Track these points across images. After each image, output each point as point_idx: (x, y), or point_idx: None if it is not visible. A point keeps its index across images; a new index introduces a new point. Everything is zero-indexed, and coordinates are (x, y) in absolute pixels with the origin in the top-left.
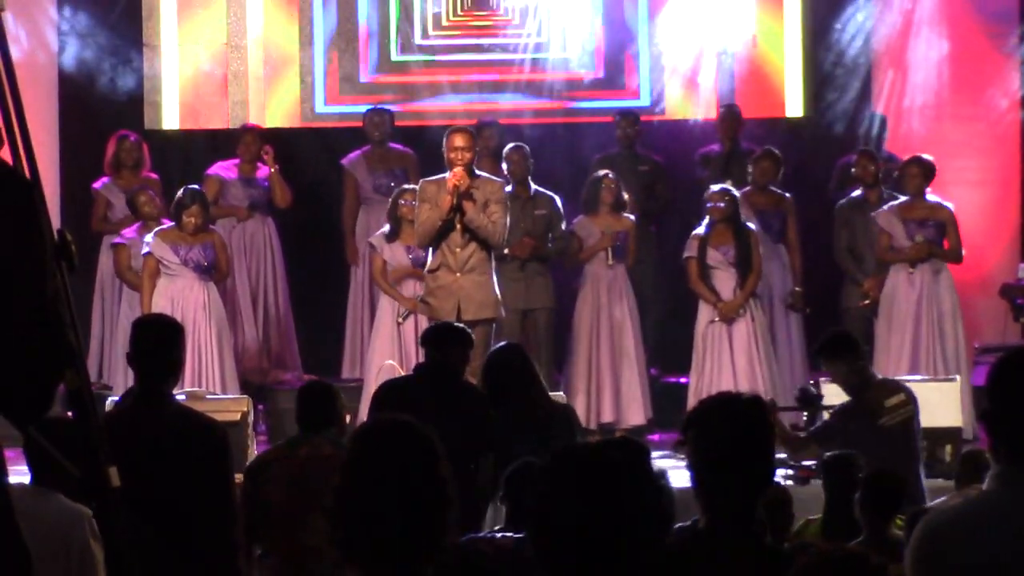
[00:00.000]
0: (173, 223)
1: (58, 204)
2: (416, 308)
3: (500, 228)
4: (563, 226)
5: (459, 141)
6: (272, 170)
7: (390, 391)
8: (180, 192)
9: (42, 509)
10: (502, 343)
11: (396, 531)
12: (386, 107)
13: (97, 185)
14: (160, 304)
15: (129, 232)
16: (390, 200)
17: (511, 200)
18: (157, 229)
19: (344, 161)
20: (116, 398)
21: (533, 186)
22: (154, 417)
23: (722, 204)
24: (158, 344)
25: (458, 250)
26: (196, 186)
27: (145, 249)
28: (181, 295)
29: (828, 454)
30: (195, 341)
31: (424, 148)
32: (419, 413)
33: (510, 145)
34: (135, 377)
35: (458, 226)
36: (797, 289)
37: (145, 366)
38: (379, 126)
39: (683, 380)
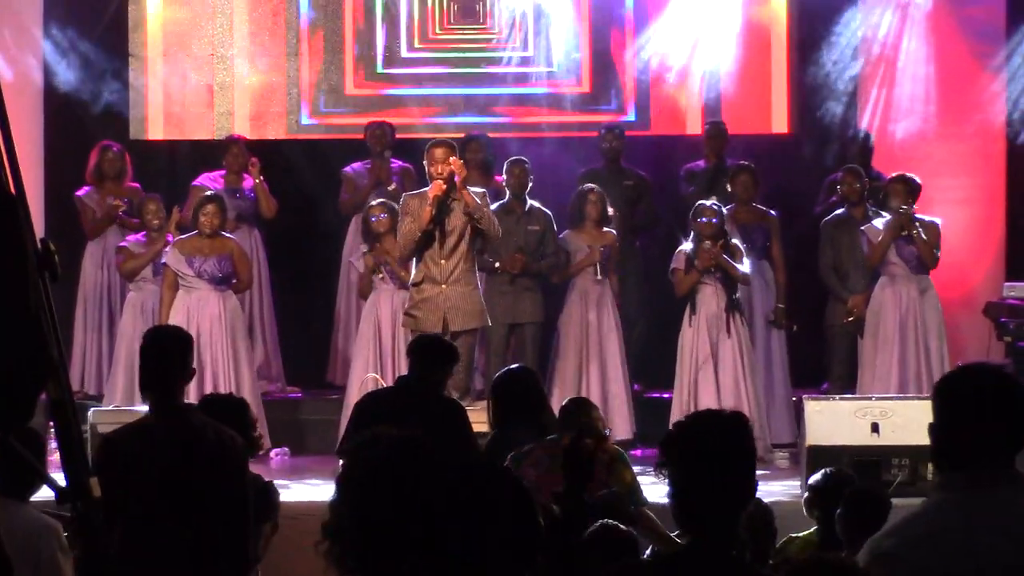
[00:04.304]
0: (194, 232)
1: (42, 215)
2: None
3: (497, 224)
4: (555, 242)
5: (439, 154)
6: (257, 181)
7: (371, 403)
8: (199, 197)
9: (11, 520)
10: (514, 365)
11: (390, 546)
12: (387, 120)
13: (80, 193)
14: (177, 317)
15: (133, 238)
16: (361, 219)
17: (505, 214)
18: (175, 239)
19: (347, 169)
20: (100, 407)
21: (529, 201)
22: (177, 429)
23: (713, 220)
24: (169, 356)
25: (442, 262)
26: (212, 192)
27: (163, 259)
28: (197, 306)
29: (818, 474)
30: (211, 353)
31: (409, 161)
32: (400, 426)
33: (511, 159)
34: (142, 387)
35: (437, 237)
36: (780, 306)
37: (157, 378)
38: (380, 139)
39: (667, 395)
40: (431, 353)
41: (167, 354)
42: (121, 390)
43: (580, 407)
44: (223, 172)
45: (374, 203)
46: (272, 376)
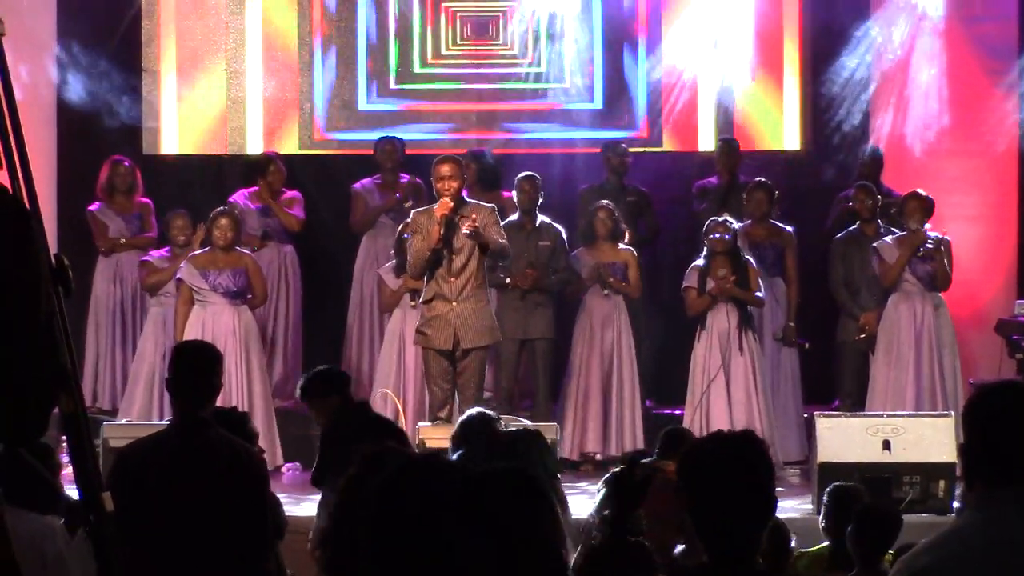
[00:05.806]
0: (207, 248)
1: (55, 229)
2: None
3: (508, 247)
4: (566, 258)
5: (445, 170)
6: (270, 202)
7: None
8: (213, 212)
9: (17, 526)
10: (470, 414)
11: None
12: (397, 136)
13: (92, 207)
14: (192, 331)
15: (156, 253)
16: (395, 235)
17: (516, 230)
18: (191, 255)
19: (356, 185)
20: (114, 421)
21: (540, 217)
22: (194, 443)
23: (726, 236)
24: (198, 371)
25: (452, 279)
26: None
27: (178, 275)
28: (211, 321)
29: (831, 487)
30: (224, 367)
31: (421, 176)
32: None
33: (522, 174)
34: (172, 402)
35: (445, 255)
36: (790, 324)
37: (184, 392)
38: (390, 155)
39: (678, 411)
40: (314, 392)
41: (196, 369)
42: (139, 405)
43: (683, 437)
44: (256, 189)
45: (409, 220)
46: (287, 393)
